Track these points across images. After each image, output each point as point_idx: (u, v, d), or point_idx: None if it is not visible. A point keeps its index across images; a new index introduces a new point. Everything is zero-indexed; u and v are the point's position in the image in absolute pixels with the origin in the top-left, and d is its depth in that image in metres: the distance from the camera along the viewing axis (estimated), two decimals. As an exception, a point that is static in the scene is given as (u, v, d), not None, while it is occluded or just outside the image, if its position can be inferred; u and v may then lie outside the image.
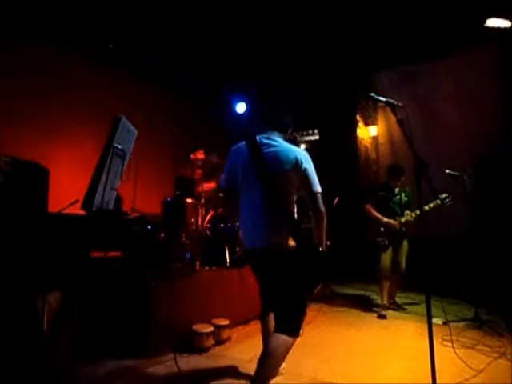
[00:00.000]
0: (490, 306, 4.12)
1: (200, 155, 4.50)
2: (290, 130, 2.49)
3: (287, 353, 2.19)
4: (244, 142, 2.37)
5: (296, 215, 2.36)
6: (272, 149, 2.29)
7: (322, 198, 2.28)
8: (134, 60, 5.18)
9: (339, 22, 5.06)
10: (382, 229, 4.27)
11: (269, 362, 2.14)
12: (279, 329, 2.19)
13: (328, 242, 4.13)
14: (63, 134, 4.59)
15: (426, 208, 3.99)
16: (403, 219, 4.22)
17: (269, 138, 2.34)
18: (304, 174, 2.25)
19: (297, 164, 2.24)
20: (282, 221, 2.21)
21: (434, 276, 2.23)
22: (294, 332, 2.19)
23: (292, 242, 2.22)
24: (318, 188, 2.28)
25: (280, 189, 2.23)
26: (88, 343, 2.80)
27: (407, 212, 4.26)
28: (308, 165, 2.27)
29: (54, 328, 2.58)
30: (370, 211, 4.36)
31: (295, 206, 2.34)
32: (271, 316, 2.37)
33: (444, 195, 4.07)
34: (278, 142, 2.33)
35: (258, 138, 2.35)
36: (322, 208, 2.26)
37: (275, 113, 2.52)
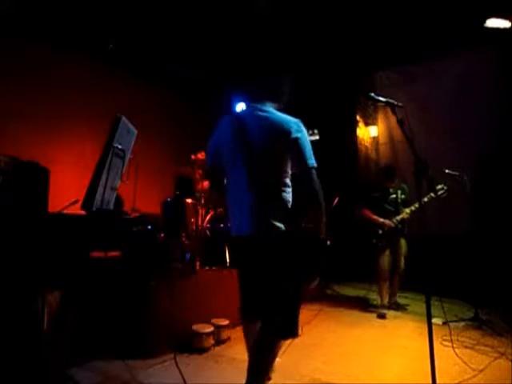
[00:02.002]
0: (489, 306, 4.11)
1: (202, 156, 4.51)
2: (285, 98, 2.18)
3: (276, 356, 2.01)
4: (229, 115, 2.13)
5: (289, 198, 2.02)
6: (259, 119, 1.99)
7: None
8: (134, 60, 5.18)
9: (339, 22, 5.05)
10: (379, 230, 4.25)
11: (258, 367, 1.96)
12: (273, 331, 1.94)
13: (328, 242, 4.16)
14: (63, 134, 4.59)
15: (421, 203, 3.95)
16: (399, 217, 4.22)
17: (257, 109, 2.04)
18: (294, 145, 1.92)
19: (287, 134, 1.92)
20: (269, 203, 1.94)
21: (434, 276, 2.23)
22: (293, 333, 1.96)
23: (281, 229, 1.93)
24: (312, 162, 1.93)
25: (267, 166, 1.96)
26: (88, 343, 2.80)
27: (403, 210, 4.25)
28: (300, 134, 1.93)
29: (54, 328, 2.58)
30: (366, 214, 4.33)
31: (289, 188, 2.02)
32: (255, 327, 2.06)
33: (439, 186, 4.06)
34: (269, 112, 2.02)
35: (248, 107, 2.11)
36: (318, 187, 1.91)
37: (270, 82, 2.17)
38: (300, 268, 1.94)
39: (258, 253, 1.98)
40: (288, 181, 2.01)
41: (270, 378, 2.36)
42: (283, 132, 1.93)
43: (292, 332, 1.96)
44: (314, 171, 1.93)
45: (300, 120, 2.00)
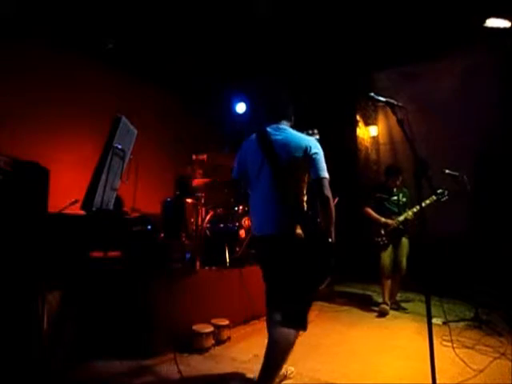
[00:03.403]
0: (489, 305, 4.12)
1: (202, 157, 4.52)
2: (293, 118, 2.54)
3: (292, 346, 2.22)
4: (254, 135, 2.44)
5: (306, 205, 2.35)
6: (282, 137, 2.35)
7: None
8: (133, 60, 5.18)
9: (339, 22, 5.05)
10: (381, 229, 4.29)
11: (273, 355, 2.18)
12: (285, 322, 2.20)
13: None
14: (63, 134, 4.59)
15: (423, 205, 3.99)
16: (401, 218, 4.26)
17: (278, 128, 2.41)
18: (312, 159, 2.28)
19: (306, 150, 2.28)
20: (291, 209, 2.24)
21: (434, 276, 2.23)
22: (301, 326, 2.22)
23: (300, 232, 2.21)
24: (325, 173, 2.28)
25: (289, 176, 2.28)
26: (88, 343, 2.80)
27: (406, 211, 4.30)
28: (317, 150, 2.31)
29: (54, 328, 2.58)
30: (368, 213, 4.40)
31: (305, 195, 2.35)
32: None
33: (440, 190, 4.11)
34: (287, 131, 2.40)
35: (267, 129, 2.41)
36: (328, 193, 2.24)
37: (279, 103, 2.55)
38: (313, 269, 2.19)
39: (278, 251, 2.28)
40: (305, 190, 2.36)
41: (286, 377, 2.59)
42: (304, 149, 2.30)
43: (301, 324, 2.22)
44: (326, 181, 2.27)
45: (317, 140, 2.42)
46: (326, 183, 2.26)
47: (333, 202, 2.25)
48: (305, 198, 2.35)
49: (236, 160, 2.54)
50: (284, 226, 2.25)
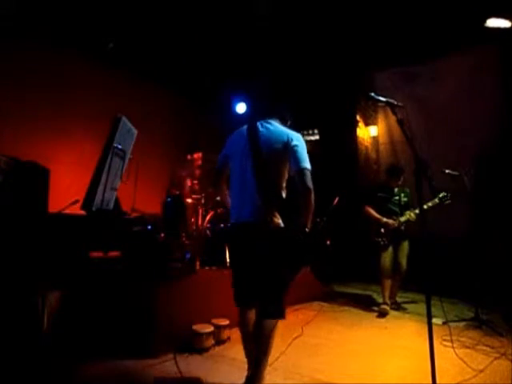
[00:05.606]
0: (489, 305, 4.11)
1: (197, 156, 4.53)
2: (289, 123, 2.56)
3: (274, 334, 2.25)
4: (245, 127, 2.49)
5: (284, 196, 2.35)
6: (267, 130, 2.39)
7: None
8: (133, 60, 5.18)
9: (339, 22, 5.06)
10: (381, 229, 4.29)
11: (260, 349, 2.22)
12: (263, 313, 2.24)
13: (328, 241, 4.20)
14: (63, 134, 4.59)
15: (425, 207, 4.00)
16: (402, 219, 4.25)
17: (267, 122, 2.44)
18: (293, 151, 2.28)
19: (287, 142, 2.30)
20: (270, 198, 2.27)
21: (434, 276, 2.23)
22: (280, 315, 2.25)
23: (278, 220, 2.25)
24: (307, 164, 2.27)
25: (270, 168, 2.31)
26: (88, 343, 2.80)
27: (407, 212, 4.29)
28: (298, 142, 2.31)
29: (54, 328, 2.58)
30: (369, 212, 4.39)
31: (284, 188, 2.36)
32: (251, 314, 2.37)
33: (442, 194, 4.11)
34: (274, 125, 2.42)
35: (258, 122, 2.46)
36: (310, 184, 2.23)
37: (275, 101, 2.61)
38: (289, 257, 2.21)
39: (253, 238, 2.28)
40: (284, 184, 2.37)
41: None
42: (286, 141, 2.31)
43: (279, 314, 2.25)
44: (307, 172, 2.25)
45: (301, 134, 2.40)
46: (308, 174, 2.25)
47: (313, 195, 2.22)
48: (283, 191, 2.34)
49: (223, 149, 2.56)
50: (261, 214, 2.26)
